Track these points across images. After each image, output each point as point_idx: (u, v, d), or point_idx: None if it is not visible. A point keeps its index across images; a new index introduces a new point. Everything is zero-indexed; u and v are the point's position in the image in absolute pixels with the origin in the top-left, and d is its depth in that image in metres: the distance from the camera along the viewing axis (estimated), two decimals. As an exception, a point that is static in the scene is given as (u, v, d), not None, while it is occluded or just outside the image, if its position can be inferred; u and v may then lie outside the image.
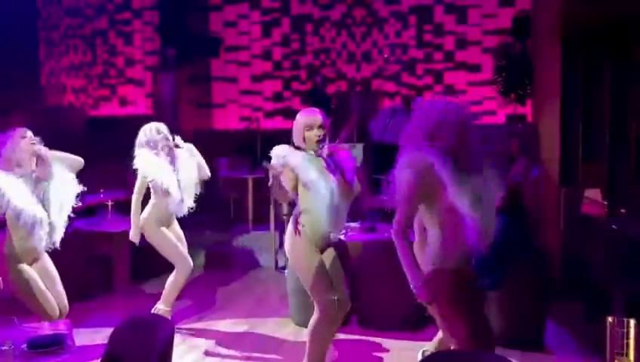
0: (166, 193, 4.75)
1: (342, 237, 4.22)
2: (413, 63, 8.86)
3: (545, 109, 6.69)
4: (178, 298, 4.96)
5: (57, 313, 3.90)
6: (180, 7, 9.05)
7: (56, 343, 3.02)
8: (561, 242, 6.01)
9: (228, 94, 9.66)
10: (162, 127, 4.86)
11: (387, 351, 4.58)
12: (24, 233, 3.82)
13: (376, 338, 4.78)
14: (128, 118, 9.35)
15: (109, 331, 2.64)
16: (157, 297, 4.94)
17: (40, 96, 10.08)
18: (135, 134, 4.87)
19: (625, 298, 4.29)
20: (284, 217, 6.42)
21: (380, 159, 6.19)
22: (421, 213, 3.09)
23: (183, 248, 4.93)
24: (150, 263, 5.27)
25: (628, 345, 3.76)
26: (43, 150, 3.91)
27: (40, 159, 3.90)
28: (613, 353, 3.82)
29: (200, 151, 4.98)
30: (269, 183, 3.58)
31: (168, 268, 4.92)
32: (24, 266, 3.87)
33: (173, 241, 4.84)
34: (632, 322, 3.75)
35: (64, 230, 4.00)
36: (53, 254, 4.04)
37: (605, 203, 5.31)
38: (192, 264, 4.90)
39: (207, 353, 4.59)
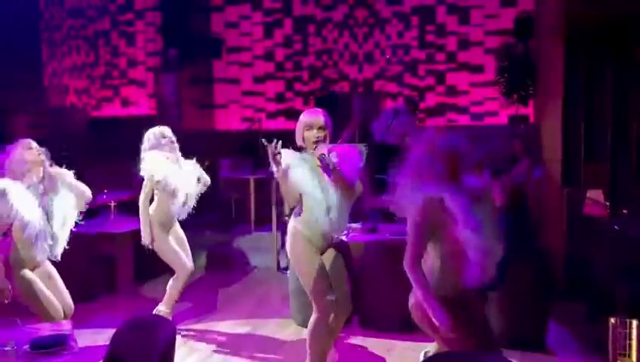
0: (173, 194, 4.76)
1: (344, 238, 4.23)
2: (416, 64, 8.85)
3: (547, 110, 6.68)
4: (179, 299, 4.97)
5: (61, 315, 3.92)
6: (182, 8, 9.06)
7: (58, 344, 3.03)
8: (564, 242, 6.00)
9: (230, 95, 9.65)
10: (167, 130, 4.88)
11: (389, 351, 4.58)
12: (28, 243, 3.85)
13: (377, 338, 4.78)
14: (130, 118, 9.37)
15: (111, 332, 2.64)
16: (160, 298, 4.95)
17: (42, 97, 10.09)
18: (137, 135, 4.88)
19: (627, 298, 4.28)
20: (286, 218, 6.42)
21: (382, 159, 6.18)
22: None
23: (185, 251, 4.94)
24: (153, 264, 5.27)
25: (630, 345, 3.76)
26: (48, 168, 3.94)
27: (46, 172, 3.94)
28: (615, 354, 3.82)
29: (202, 152, 5.00)
30: (270, 167, 3.55)
31: (171, 269, 4.93)
32: (26, 271, 3.90)
33: (173, 248, 4.85)
34: (635, 323, 3.76)
35: (66, 242, 4.04)
36: (55, 255, 4.06)
37: (607, 203, 5.30)
38: (191, 268, 4.91)
39: (208, 354, 4.59)
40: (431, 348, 3.65)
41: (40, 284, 3.89)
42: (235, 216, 8.04)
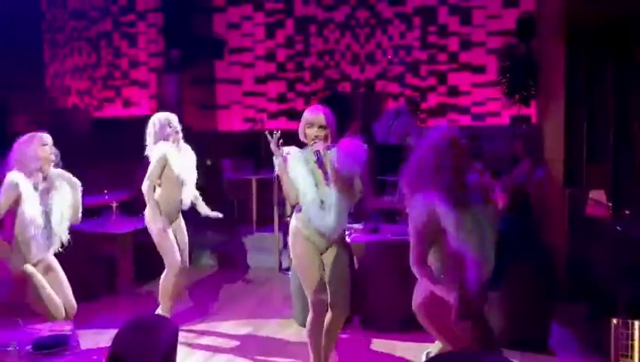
0: (181, 183, 4.74)
1: (347, 239, 4.22)
2: (417, 64, 8.85)
3: (549, 110, 6.67)
4: (181, 299, 4.96)
5: (62, 313, 3.92)
6: (184, 9, 9.06)
7: (60, 344, 3.03)
8: (566, 243, 5.99)
9: (232, 96, 9.65)
10: (173, 119, 4.86)
11: (390, 351, 4.57)
12: (28, 239, 3.85)
13: (379, 339, 4.78)
14: (132, 119, 9.35)
15: (113, 332, 2.64)
16: (161, 298, 4.95)
17: (44, 98, 10.10)
18: (139, 135, 4.87)
19: (629, 299, 4.27)
20: (288, 218, 6.42)
21: (384, 160, 6.19)
22: None
23: (183, 244, 4.91)
24: (154, 264, 5.26)
25: (632, 346, 3.75)
26: (53, 168, 3.95)
27: (51, 171, 3.95)
28: (617, 354, 3.81)
29: (204, 153, 4.99)
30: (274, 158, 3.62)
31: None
32: (28, 266, 3.89)
33: (171, 241, 4.80)
34: (637, 324, 3.75)
35: (65, 239, 4.05)
36: (57, 255, 4.06)
37: (610, 204, 5.29)
38: (179, 264, 4.80)
39: (210, 354, 4.59)
40: (433, 348, 3.65)
41: (42, 281, 3.89)
42: (237, 217, 8.04)
